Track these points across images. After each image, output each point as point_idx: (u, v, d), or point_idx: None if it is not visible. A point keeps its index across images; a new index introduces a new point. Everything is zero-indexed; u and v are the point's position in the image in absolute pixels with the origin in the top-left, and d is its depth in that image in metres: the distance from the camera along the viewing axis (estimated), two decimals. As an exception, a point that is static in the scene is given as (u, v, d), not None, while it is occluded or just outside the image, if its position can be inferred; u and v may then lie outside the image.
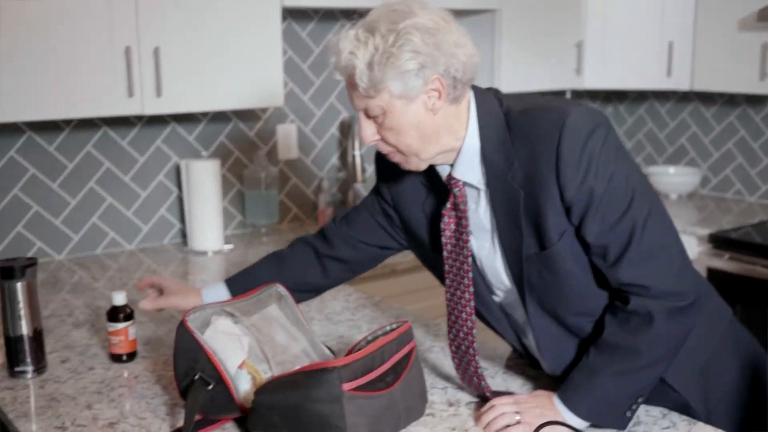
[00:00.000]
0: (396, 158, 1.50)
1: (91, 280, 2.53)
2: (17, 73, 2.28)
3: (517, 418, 1.47)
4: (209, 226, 2.83)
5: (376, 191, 1.75)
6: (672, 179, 3.82)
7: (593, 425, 1.49)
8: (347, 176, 3.27)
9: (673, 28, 3.52)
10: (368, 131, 1.46)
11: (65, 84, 2.36)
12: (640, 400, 1.48)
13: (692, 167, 3.92)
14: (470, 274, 1.53)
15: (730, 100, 3.78)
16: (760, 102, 3.68)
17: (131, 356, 1.85)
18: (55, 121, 2.69)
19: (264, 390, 1.45)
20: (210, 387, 1.49)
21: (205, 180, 2.83)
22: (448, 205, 1.53)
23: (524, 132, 1.44)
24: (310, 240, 1.83)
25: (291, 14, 3.11)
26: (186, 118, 2.95)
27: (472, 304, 1.55)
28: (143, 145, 2.89)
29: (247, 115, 3.07)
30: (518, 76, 3.38)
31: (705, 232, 3.21)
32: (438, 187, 1.58)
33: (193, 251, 2.85)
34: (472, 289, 1.54)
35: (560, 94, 3.96)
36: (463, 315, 1.56)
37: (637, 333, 1.43)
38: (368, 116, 1.45)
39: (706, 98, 3.88)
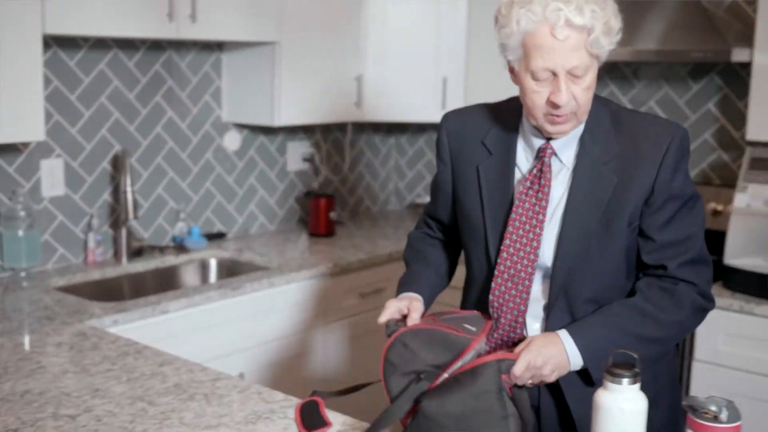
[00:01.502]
0: (567, 125, 1.60)
1: None
2: None
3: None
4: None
5: (440, 173, 1.87)
6: (450, 209, 3.95)
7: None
8: (120, 213, 3.11)
9: (447, 64, 3.66)
10: (568, 92, 1.54)
11: None
12: None
13: (469, 197, 4.09)
14: (540, 237, 1.67)
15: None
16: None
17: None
18: None
19: (431, 395, 1.51)
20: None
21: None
22: (534, 170, 1.68)
23: (633, 131, 1.66)
24: (428, 235, 1.98)
25: (57, 42, 2.92)
26: (-68, 153, 2.69)
27: (534, 264, 1.67)
28: None
29: (5, 149, 2.84)
30: (299, 109, 3.38)
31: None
32: (504, 150, 1.73)
33: (-58, 299, 2.58)
34: (538, 251, 1.67)
35: (341, 126, 4.01)
36: (522, 274, 1.68)
37: (668, 310, 1.63)
38: (574, 75, 1.53)
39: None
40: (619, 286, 1.70)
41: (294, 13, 3.28)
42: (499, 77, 3.55)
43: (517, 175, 1.73)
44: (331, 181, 4.05)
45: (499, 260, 1.70)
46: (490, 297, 1.71)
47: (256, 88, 3.34)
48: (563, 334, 1.61)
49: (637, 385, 1.29)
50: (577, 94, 1.56)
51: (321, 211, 3.64)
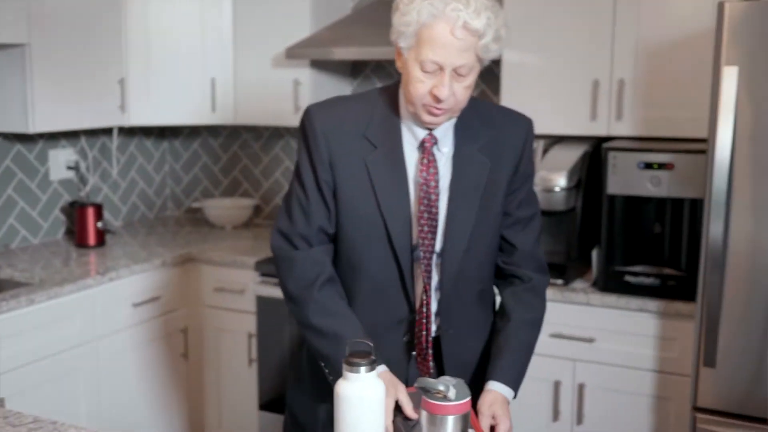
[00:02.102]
0: (442, 117, 1.68)
1: None
2: None
3: None
4: None
5: (312, 175, 1.75)
6: (228, 212, 3.91)
7: None
8: None
9: (215, 64, 3.61)
10: (450, 88, 1.62)
11: None
12: None
13: (246, 198, 4.06)
14: (437, 225, 1.75)
15: (276, 132, 3.99)
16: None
17: None
18: None
19: None
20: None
21: None
22: (424, 161, 1.73)
23: (496, 120, 1.82)
24: (321, 278, 1.77)
25: None
26: None
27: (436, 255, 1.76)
28: None
29: None
30: (57, 115, 3.20)
31: (252, 261, 3.33)
32: (390, 143, 1.74)
33: None
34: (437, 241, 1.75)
35: (108, 131, 3.85)
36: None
37: (540, 307, 1.88)
38: (459, 73, 1.61)
39: (254, 132, 4.04)
40: (494, 260, 1.89)
41: (45, 13, 3.10)
42: (267, 78, 3.57)
43: (408, 166, 1.76)
44: (101, 189, 3.87)
45: (420, 249, 1.75)
46: (414, 287, 1.76)
47: (6, 93, 3.13)
48: (503, 389, 1.72)
49: (374, 372, 1.33)
50: (458, 92, 1.64)
51: (88, 221, 3.48)
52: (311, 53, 3.34)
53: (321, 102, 1.83)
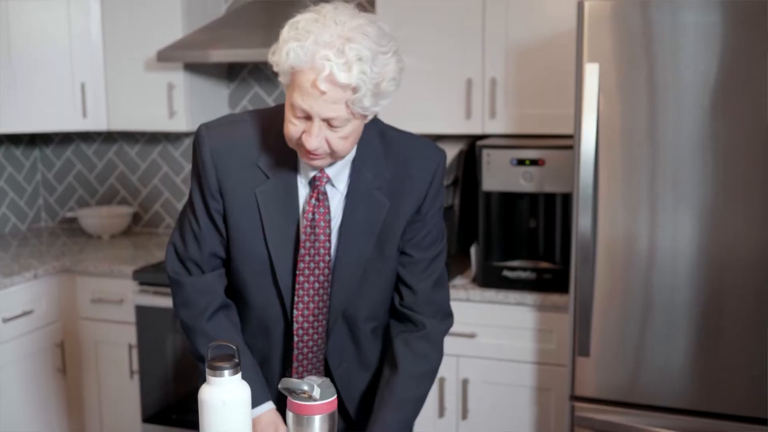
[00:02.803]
0: (321, 161, 1.54)
1: None
2: None
3: None
4: None
5: (202, 202, 1.66)
6: (105, 221, 3.79)
7: None
8: None
9: (84, 68, 3.49)
10: (319, 138, 1.48)
11: None
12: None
13: (124, 206, 3.94)
14: (329, 264, 1.65)
15: (152, 138, 3.89)
16: (177, 138, 3.84)
17: None
18: None
19: None
20: None
21: None
22: (312, 200, 1.62)
23: (402, 153, 1.67)
24: (211, 308, 1.69)
25: None
26: None
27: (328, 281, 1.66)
28: None
29: None
30: None
31: (130, 270, 3.23)
32: (283, 174, 1.62)
33: None
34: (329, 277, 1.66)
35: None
36: (315, 298, 1.66)
37: (433, 356, 1.74)
38: (330, 125, 1.47)
39: (129, 137, 3.93)
40: (390, 297, 1.77)
41: None
42: (140, 81, 3.48)
43: (301, 200, 1.65)
44: (-33, 201, 3.69)
45: (296, 299, 1.66)
46: (295, 325, 1.67)
47: None
48: None
49: (238, 376, 1.31)
50: (333, 141, 1.50)
51: (-48, 234, 3.31)
52: (184, 56, 3.27)
53: (213, 124, 1.69)
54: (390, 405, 1.66)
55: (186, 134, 3.79)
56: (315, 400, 1.25)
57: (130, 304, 3.25)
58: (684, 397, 2.48)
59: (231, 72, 3.74)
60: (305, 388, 1.25)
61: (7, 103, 3.38)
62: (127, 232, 3.91)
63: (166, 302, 3.11)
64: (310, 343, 1.69)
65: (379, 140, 1.67)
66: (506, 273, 2.89)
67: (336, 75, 1.41)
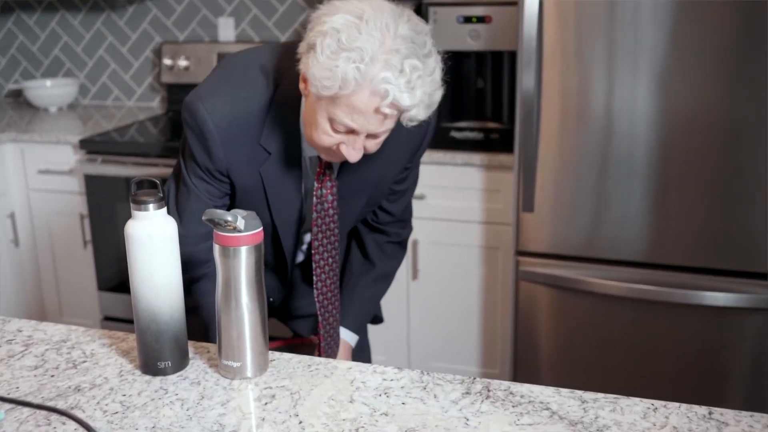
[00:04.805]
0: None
1: None
2: None
3: None
4: None
5: (205, 181, 1.59)
6: (50, 92, 3.71)
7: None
8: None
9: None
10: (361, 152, 1.45)
11: None
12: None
13: (69, 78, 3.86)
14: (336, 231, 1.72)
15: (95, 5, 3.77)
16: (121, 7, 3.73)
17: None
18: None
19: None
20: None
21: None
22: (320, 177, 1.63)
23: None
24: (202, 274, 1.67)
25: None
26: None
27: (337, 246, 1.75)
28: None
29: None
30: None
31: (76, 139, 3.19)
32: (286, 152, 1.58)
33: None
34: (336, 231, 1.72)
35: None
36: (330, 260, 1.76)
37: (398, 254, 1.96)
38: (375, 136, 1.43)
39: (71, 6, 3.81)
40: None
41: None
42: None
43: (304, 177, 1.65)
44: None
45: (315, 278, 1.76)
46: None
47: None
48: (348, 335, 1.89)
49: (164, 210, 1.31)
50: (370, 147, 1.45)
51: None
52: None
53: (208, 95, 1.53)
54: (360, 300, 1.91)
55: (129, 0, 3.68)
56: (240, 231, 1.26)
57: (78, 173, 3.23)
58: (633, 250, 2.54)
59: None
60: (229, 218, 1.26)
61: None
62: (75, 105, 3.84)
63: (115, 171, 3.10)
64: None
65: None
66: (454, 134, 2.89)
67: (399, 99, 1.32)
